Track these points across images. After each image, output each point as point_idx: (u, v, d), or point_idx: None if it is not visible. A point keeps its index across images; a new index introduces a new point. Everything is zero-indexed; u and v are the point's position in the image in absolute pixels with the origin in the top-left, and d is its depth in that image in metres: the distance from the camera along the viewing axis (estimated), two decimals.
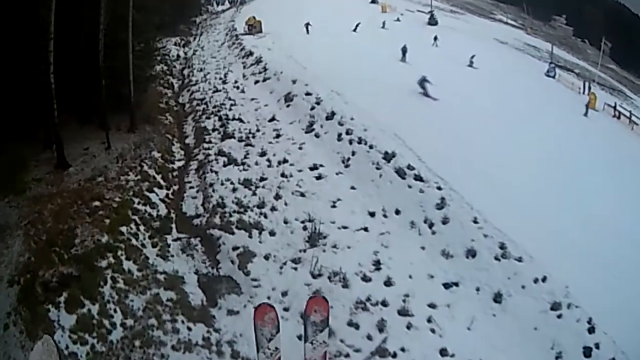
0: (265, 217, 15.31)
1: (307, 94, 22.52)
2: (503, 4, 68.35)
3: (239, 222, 15.02)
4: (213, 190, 16.80)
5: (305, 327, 7.80)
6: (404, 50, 29.63)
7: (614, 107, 33.21)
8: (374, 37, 35.54)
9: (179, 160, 19.61)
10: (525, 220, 14.76)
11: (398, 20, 43.84)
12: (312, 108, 21.43)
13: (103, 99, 19.06)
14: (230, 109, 23.01)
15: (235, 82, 26.43)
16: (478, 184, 16.28)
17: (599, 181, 18.59)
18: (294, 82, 23.98)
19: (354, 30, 36.23)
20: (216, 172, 17.78)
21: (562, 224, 15.05)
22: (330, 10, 43.20)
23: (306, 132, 20.26)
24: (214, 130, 21.17)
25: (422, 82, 24.32)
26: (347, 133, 19.14)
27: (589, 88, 36.71)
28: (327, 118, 20.44)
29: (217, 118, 22.30)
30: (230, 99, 24.24)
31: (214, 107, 23.58)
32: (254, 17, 35.75)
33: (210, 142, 20.19)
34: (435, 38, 35.71)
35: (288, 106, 22.58)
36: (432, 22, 43.94)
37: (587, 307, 11.78)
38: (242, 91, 25.08)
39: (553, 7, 67.31)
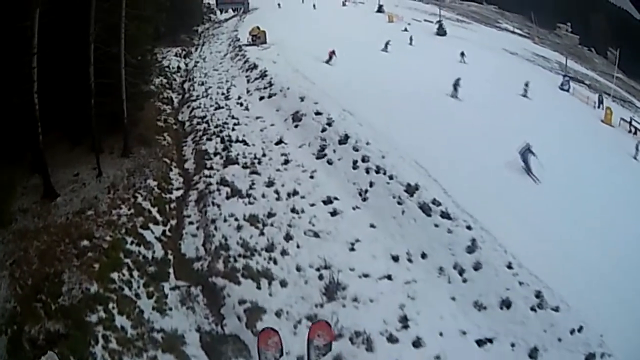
0: (275, 262, 13.16)
1: (317, 113, 20.28)
2: (508, 12, 66.08)
3: (246, 269, 12.96)
4: (215, 228, 14.59)
5: (309, 351, 7.37)
6: (456, 85, 24.32)
7: (630, 122, 30.83)
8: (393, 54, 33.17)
9: (177, 189, 17.34)
10: (561, 264, 12.87)
11: (406, 30, 41.47)
12: (323, 130, 19.17)
13: (93, 119, 16.92)
14: (233, 129, 20.70)
15: (239, 98, 24.13)
16: (510, 222, 14.26)
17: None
18: (302, 99, 21.71)
19: (385, 49, 32.17)
20: (218, 206, 15.53)
21: (596, 265, 13.19)
22: (336, 20, 40.93)
23: (317, 158, 17.99)
24: (215, 154, 18.85)
25: (525, 153, 17.76)
26: (364, 160, 16.92)
27: (601, 101, 34.44)
28: (340, 142, 18.20)
29: (219, 139, 19.98)
30: (233, 117, 21.93)
31: (216, 126, 21.26)
32: (257, 27, 33.43)
33: (211, 168, 17.90)
34: (462, 54, 33.05)
35: (296, 127, 20.29)
36: (441, 32, 41.64)
37: (620, 356, 10.71)
38: (246, 108, 22.76)
39: (557, 15, 65.12)
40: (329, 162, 17.62)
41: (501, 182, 16.45)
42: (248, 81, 26.12)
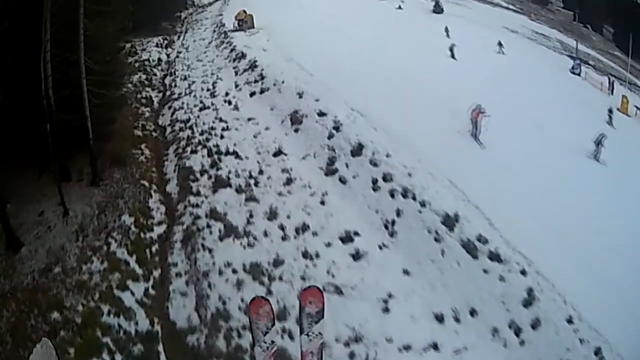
0: (292, 338, 9.19)
1: (321, 113, 15.98)
2: None
3: None
4: (209, 285, 10.64)
5: (301, 319, 6.58)
6: None
7: None
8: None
9: (159, 223, 13.08)
10: (619, 312, 9.83)
11: (400, 8, 36.90)
12: (330, 136, 14.97)
13: (51, 142, 12.50)
14: (221, 137, 16.39)
15: (226, 94, 19.63)
16: (566, 262, 10.77)
17: None
18: (300, 95, 17.35)
19: (452, 56, 24.76)
20: (210, 250, 11.49)
21: None
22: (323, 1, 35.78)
23: (327, 174, 13.88)
24: (202, 172, 14.58)
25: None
26: (385, 179, 12.84)
27: (613, 86, 30.41)
28: (353, 153, 14.06)
29: (205, 151, 15.68)
30: (221, 119, 17.54)
31: (202, 133, 16.89)
32: (244, 11, 28.48)
33: (198, 193, 13.67)
34: (500, 44, 28.34)
35: (297, 131, 16.02)
36: (438, 10, 37.01)
37: None
38: (236, 107, 18.35)
39: None
40: (342, 181, 13.49)
41: (550, 207, 12.44)
42: (236, 73, 21.52)
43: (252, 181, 13.79)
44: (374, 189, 12.90)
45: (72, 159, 14.25)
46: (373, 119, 15.55)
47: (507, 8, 51.77)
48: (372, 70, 19.20)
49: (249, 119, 17.23)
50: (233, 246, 11.39)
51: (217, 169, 14.52)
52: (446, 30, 27.97)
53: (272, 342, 6.92)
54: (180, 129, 17.49)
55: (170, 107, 19.77)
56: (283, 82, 18.60)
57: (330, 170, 13.96)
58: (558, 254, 10.88)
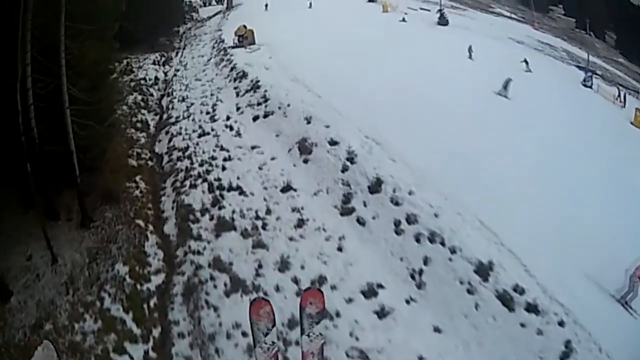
0: None
1: (332, 142, 14.31)
2: None
3: None
4: (217, 351, 8.97)
5: (301, 319, 6.42)
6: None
7: None
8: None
9: (157, 271, 11.40)
10: None
11: (403, 20, 35.31)
12: (344, 169, 13.28)
13: (31, 180, 11.05)
14: (223, 168, 14.69)
15: (227, 118, 17.95)
16: (599, 304, 9.97)
17: None
18: (308, 120, 15.70)
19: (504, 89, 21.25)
20: (215, 308, 9.92)
21: None
22: (327, 12, 34.34)
23: (342, 214, 12.20)
24: (203, 211, 12.88)
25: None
26: (409, 221, 11.16)
27: (625, 96, 28.93)
28: (372, 189, 12.41)
29: (206, 185, 13.99)
30: (222, 148, 15.84)
31: (201, 163, 15.19)
32: (244, 26, 26.85)
33: (199, 236, 11.99)
34: (526, 62, 26.92)
35: (306, 162, 14.33)
36: (443, 22, 35.43)
37: None
38: (238, 134, 16.64)
39: None
40: (361, 222, 11.81)
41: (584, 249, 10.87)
42: (237, 94, 19.83)
43: (259, 223, 12.08)
44: (397, 233, 11.25)
45: (60, 194, 12.63)
46: (390, 148, 13.90)
47: (510, 17, 50.44)
48: (385, 91, 17.57)
49: (253, 147, 15.54)
50: (241, 304, 9.69)
51: (220, 208, 12.83)
52: (469, 50, 26.26)
53: (273, 342, 6.70)
54: (179, 159, 15.78)
55: (167, 133, 18.06)
56: (289, 105, 16.94)
57: (346, 210, 12.28)
58: (594, 298, 9.98)
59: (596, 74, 35.49)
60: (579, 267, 10.60)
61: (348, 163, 13.50)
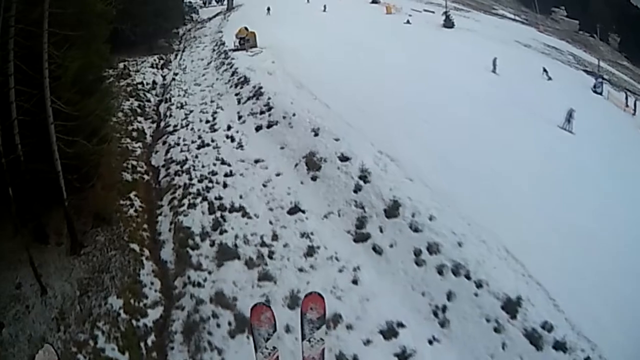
0: None
1: (343, 158, 13.06)
2: None
3: None
4: None
5: (302, 325, 6.34)
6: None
7: None
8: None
9: (154, 304, 10.22)
10: None
11: (408, 22, 34.02)
12: (357, 188, 12.06)
13: (12, 202, 9.95)
14: (224, 185, 13.42)
15: (228, 128, 16.65)
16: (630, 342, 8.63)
17: None
18: (315, 132, 14.45)
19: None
20: (219, 351, 8.76)
21: None
22: (329, 14, 33.02)
23: (356, 241, 10.97)
24: (203, 236, 11.63)
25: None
26: (431, 250, 9.97)
27: (634, 103, 27.76)
28: (388, 213, 11.17)
29: (206, 205, 12.72)
30: (223, 161, 14.56)
31: (201, 179, 13.90)
32: (245, 28, 25.48)
33: (199, 266, 10.77)
34: (545, 71, 25.73)
35: (314, 179, 13.06)
36: (449, 24, 34.16)
37: None
38: (240, 145, 15.37)
39: None
40: (377, 251, 10.58)
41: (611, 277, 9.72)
42: (239, 101, 18.52)
43: (265, 251, 10.83)
44: (418, 264, 10.02)
45: (49, 215, 11.41)
46: (406, 165, 12.63)
47: (514, 19, 49.24)
48: (398, 101, 16.32)
49: (256, 161, 14.27)
50: (248, 346, 8.38)
51: (221, 232, 11.57)
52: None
53: (274, 348, 6.53)
54: (176, 173, 14.49)
55: (164, 143, 16.76)
56: (294, 114, 15.66)
57: (360, 236, 11.04)
58: (625, 332, 8.75)
59: (602, 77, 34.39)
60: (610, 298, 9.44)
61: (361, 182, 12.26)
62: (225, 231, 11.58)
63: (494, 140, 14.76)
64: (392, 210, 11.27)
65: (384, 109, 15.65)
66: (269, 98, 17.27)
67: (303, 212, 11.99)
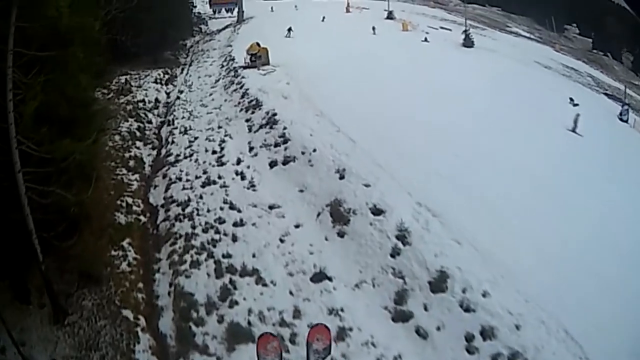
0: None
1: (376, 210, 10.79)
2: (513, 14, 56.55)
3: None
4: None
5: (308, 355, 6.02)
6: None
7: None
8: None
9: None
10: None
11: (426, 40, 31.65)
12: (395, 252, 9.77)
13: None
14: (234, 238, 11.07)
15: (238, 161, 14.32)
16: None
17: None
18: (341, 174, 12.11)
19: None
20: None
21: None
22: (346, 31, 30.78)
23: (396, 320, 8.74)
24: (209, 307, 9.34)
25: None
26: (485, 335, 8.29)
27: None
28: (434, 287, 8.97)
29: (212, 265, 10.37)
30: (232, 205, 12.22)
31: (205, 228, 11.54)
32: (257, 44, 23.14)
33: (205, 349, 8.61)
34: (572, 99, 23.18)
35: (341, 235, 10.74)
36: (468, 43, 31.84)
37: None
38: (251, 185, 13.03)
39: (561, 16, 55.76)
40: (421, 334, 8.37)
41: None
42: (250, 129, 16.19)
43: (286, 333, 8.50)
44: (470, 351, 7.92)
45: (29, 269, 9.24)
46: (452, 223, 10.30)
47: (530, 38, 47.06)
48: (434, 138, 13.95)
49: (271, 207, 11.92)
50: None
51: (231, 304, 9.28)
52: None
53: None
54: (177, 218, 12.09)
55: (165, 176, 14.40)
56: (314, 150, 13.35)
57: (400, 314, 8.76)
58: None
59: (618, 99, 32.11)
60: None
61: (399, 244, 9.96)
62: (236, 303, 9.23)
63: (542, 184, 12.33)
64: (439, 283, 8.97)
65: (420, 148, 13.34)
66: (285, 128, 14.94)
67: (330, 279, 9.66)
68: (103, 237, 11.27)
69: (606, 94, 32.55)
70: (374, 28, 31.41)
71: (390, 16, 38.40)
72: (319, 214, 11.44)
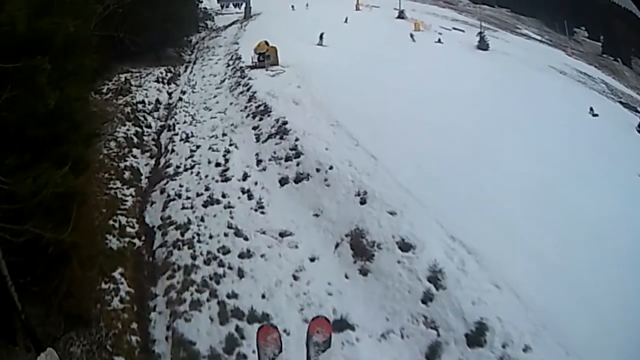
0: None
1: (405, 245, 9.25)
2: (522, 16, 54.74)
3: None
4: None
5: (308, 348, 5.61)
6: None
7: None
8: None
9: None
10: None
11: (439, 42, 29.93)
12: (428, 298, 8.38)
13: None
14: (240, 274, 9.50)
15: (244, 176, 12.69)
16: None
17: None
18: (362, 199, 10.51)
19: None
20: None
21: None
22: (357, 30, 28.98)
23: None
24: None
25: None
26: None
27: None
28: (471, 340, 7.58)
29: (215, 306, 8.81)
30: (237, 231, 10.65)
31: (208, 259, 10.00)
32: (265, 42, 21.33)
33: None
34: (592, 109, 21.52)
35: (364, 273, 9.19)
36: (483, 46, 30.10)
37: None
38: (260, 206, 11.42)
39: (568, 18, 53.86)
40: None
41: None
42: (257, 138, 14.54)
43: None
44: None
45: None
46: (490, 262, 8.74)
47: (541, 41, 45.28)
48: (465, 156, 12.26)
49: (282, 235, 10.34)
50: None
51: (239, 358, 7.50)
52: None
53: None
54: (175, 245, 10.50)
55: (162, 191, 12.79)
56: (331, 167, 11.71)
57: None
58: None
59: (633, 108, 30.45)
60: None
61: (432, 288, 8.40)
62: (244, 357, 7.60)
63: (583, 220, 10.69)
64: (477, 335, 7.48)
65: (446, 164, 11.66)
66: (297, 139, 13.29)
67: (352, 328, 8.08)
68: (93, 268, 9.73)
69: (621, 102, 30.89)
70: (412, 35, 29.48)
71: (401, 15, 36.66)
72: (337, 245, 9.86)
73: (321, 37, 24.82)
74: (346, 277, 9.17)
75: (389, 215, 9.91)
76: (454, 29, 35.87)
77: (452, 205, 10.25)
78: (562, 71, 32.36)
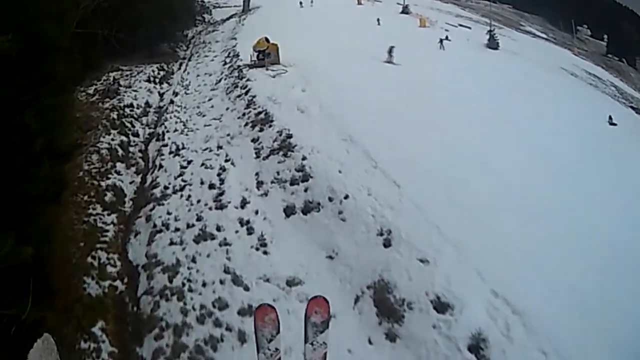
0: None
1: (441, 306, 7.40)
2: (526, 13, 52.78)
3: None
4: None
5: (306, 328, 5.51)
6: None
7: None
8: None
9: None
10: None
11: (447, 39, 27.88)
12: None
13: None
14: (242, 338, 7.51)
15: (243, 203, 10.73)
16: None
17: None
18: (386, 240, 8.63)
19: None
20: None
21: None
22: (361, 26, 26.85)
23: None
24: None
25: None
26: None
27: None
28: None
29: None
30: (235, 278, 8.81)
31: (201, 317, 8.10)
32: (266, 39, 19.13)
33: None
34: (610, 117, 20.15)
35: (392, 339, 7.30)
36: (493, 45, 28.15)
37: None
38: (262, 243, 9.53)
39: (570, 16, 52.04)
40: None
41: None
42: (257, 153, 12.53)
43: None
44: None
45: None
46: (538, 323, 6.89)
47: (546, 39, 43.43)
48: (490, 175, 10.38)
49: (290, 284, 8.41)
50: None
51: None
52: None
53: (276, 349, 5.56)
54: (163, 293, 8.56)
55: (148, 219, 10.78)
56: (346, 197, 9.77)
57: None
58: None
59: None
60: None
61: (473, 357, 6.43)
62: None
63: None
64: None
65: (480, 194, 9.71)
66: (304, 158, 11.31)
67: None
68: (70, 322, 7.84)
69: (632, 107, 29.28)
70: (441, 41, 25.31)
71: (405, 10, 34.56)
72: (357, 299, 7.98)
73: (390, 51, 19.98)
74: (370, 342, 7.33)
75: (419, 263, 8.02)
76: (461, 25, 33.81)
77: (491, 249, 8.38)
78: (573, 73, 30.70)
